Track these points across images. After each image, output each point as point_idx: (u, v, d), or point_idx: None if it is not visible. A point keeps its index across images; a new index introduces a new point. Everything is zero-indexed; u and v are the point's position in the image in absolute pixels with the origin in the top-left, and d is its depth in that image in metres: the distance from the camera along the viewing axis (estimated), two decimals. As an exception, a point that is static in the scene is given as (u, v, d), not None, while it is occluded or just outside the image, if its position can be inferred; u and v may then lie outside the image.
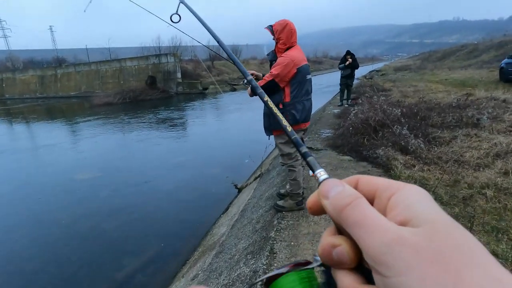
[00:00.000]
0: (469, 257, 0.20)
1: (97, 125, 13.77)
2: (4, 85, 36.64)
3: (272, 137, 3.08)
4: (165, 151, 8.02)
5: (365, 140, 5.26)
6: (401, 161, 4.20)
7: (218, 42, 0.97)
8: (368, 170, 4.14)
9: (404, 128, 5.19)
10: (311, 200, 0.29)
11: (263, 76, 3.01)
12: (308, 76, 2.90)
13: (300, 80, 2.81)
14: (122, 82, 27.78)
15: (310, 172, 4.35)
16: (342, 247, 0.25)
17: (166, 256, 3.60)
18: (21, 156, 8.50)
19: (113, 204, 5.01)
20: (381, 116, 5.74)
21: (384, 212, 0.25)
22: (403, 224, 0.23)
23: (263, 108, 2.88)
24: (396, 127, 5.25)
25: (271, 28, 2.85)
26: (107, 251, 3.75)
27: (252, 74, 3.15)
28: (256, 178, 5.57)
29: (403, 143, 4.69)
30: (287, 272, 0.27)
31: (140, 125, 12.48)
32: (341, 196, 0.26)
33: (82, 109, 20.34)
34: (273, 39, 2.87)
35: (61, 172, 6.68)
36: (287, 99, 2.80)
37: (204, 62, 34.47)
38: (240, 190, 5.48)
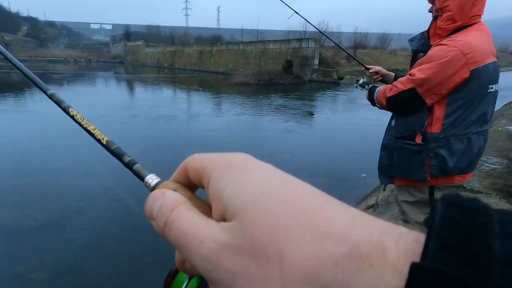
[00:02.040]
0: (286, 230, 0.18)
1: (224, 102, 14.53)
2: (176, 56, 44.21)
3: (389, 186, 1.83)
4: (276, 143, 7.39)
5: None
6: None
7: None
8: None
9: None
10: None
11: (396, 77, 1.77)
12: (493, 87, 1.49)
13: (474, 93, 1.45)
14: (262, 64, 28.94)
15: None
16: (187, 262, 0.24)
17: None
18: (146, 124, 9.53)
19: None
20: None
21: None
22: (222, 219, 0.21)
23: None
24: None
25: None
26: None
27: (374, 73, 1.93)
28: (368, 208, 4.23)
29: None
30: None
31: (264, 109, 12.36)
32: (161, 212, 0.23)
33: (223, 86, 22.17)
34: (429, 10, 1.56)
35: (176, 146, 6.95)
36: (436, 128, 1.50)
37: (347, 50, 32.18)
38: (342, 216, 4.28)
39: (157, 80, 25.71)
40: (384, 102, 1.64)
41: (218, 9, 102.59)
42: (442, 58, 1.41)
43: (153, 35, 65.35)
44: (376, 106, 1.75)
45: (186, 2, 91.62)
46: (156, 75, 31.63)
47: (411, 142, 1.57)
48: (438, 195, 1.58)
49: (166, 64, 45.19)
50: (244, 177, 0.21)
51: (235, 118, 10.73)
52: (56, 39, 79.82)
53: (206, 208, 0.23)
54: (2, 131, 8.13)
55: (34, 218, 3.87)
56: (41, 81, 0.45)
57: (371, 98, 1.77)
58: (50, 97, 0.43)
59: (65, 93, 17.39)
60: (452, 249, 0.16)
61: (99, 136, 0.35)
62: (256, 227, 0.19)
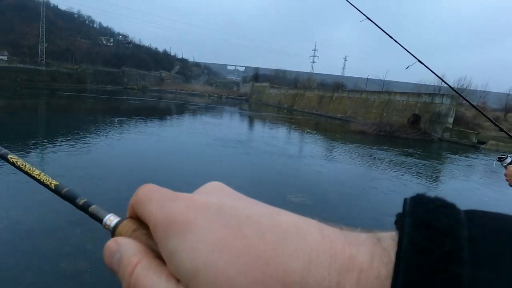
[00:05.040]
0: None
1: (336, 148, 14.04)
2: (296, 98, 46.49)
3: None
4: (377, 202, 6.53)
5: None
6: None
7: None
8: None
9: None
10: None
11: None
12: None
13: None
14: (385, 114, 27.33)
15: None
16: None
17: None
18: (241, 158, 9.86)
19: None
20: None
21: None
22: (178, 280, 0.20)
23: None
24: None
25: None
26: None
27: None
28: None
29: None
30: None
31: (377, 161, 11.36)
32: (121, 274, 0.22)
33: (339, 131, 21.78)
34: None
35: (279, 190, 6.96)
36: None
37: (494, 112, 27.58)
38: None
39: (275, 119, 27.31)
40: None
41: (345, 58, 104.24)
42: None
43: (278, 78, 70.93)
44: None
45: (314, 50, 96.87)
46: (275, 114, 33.72)
47: None
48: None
49: (286, 105, 47.81)
50: (189, 238, 0.20)
51: (342, 165, 10.19)
52: (198, 76, 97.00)
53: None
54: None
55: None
56: None
57: None
58: None
59: (193, 122, 20.29)
60: (420, 285, 0.15)
61: (46, 181, 0.31)
62: None
